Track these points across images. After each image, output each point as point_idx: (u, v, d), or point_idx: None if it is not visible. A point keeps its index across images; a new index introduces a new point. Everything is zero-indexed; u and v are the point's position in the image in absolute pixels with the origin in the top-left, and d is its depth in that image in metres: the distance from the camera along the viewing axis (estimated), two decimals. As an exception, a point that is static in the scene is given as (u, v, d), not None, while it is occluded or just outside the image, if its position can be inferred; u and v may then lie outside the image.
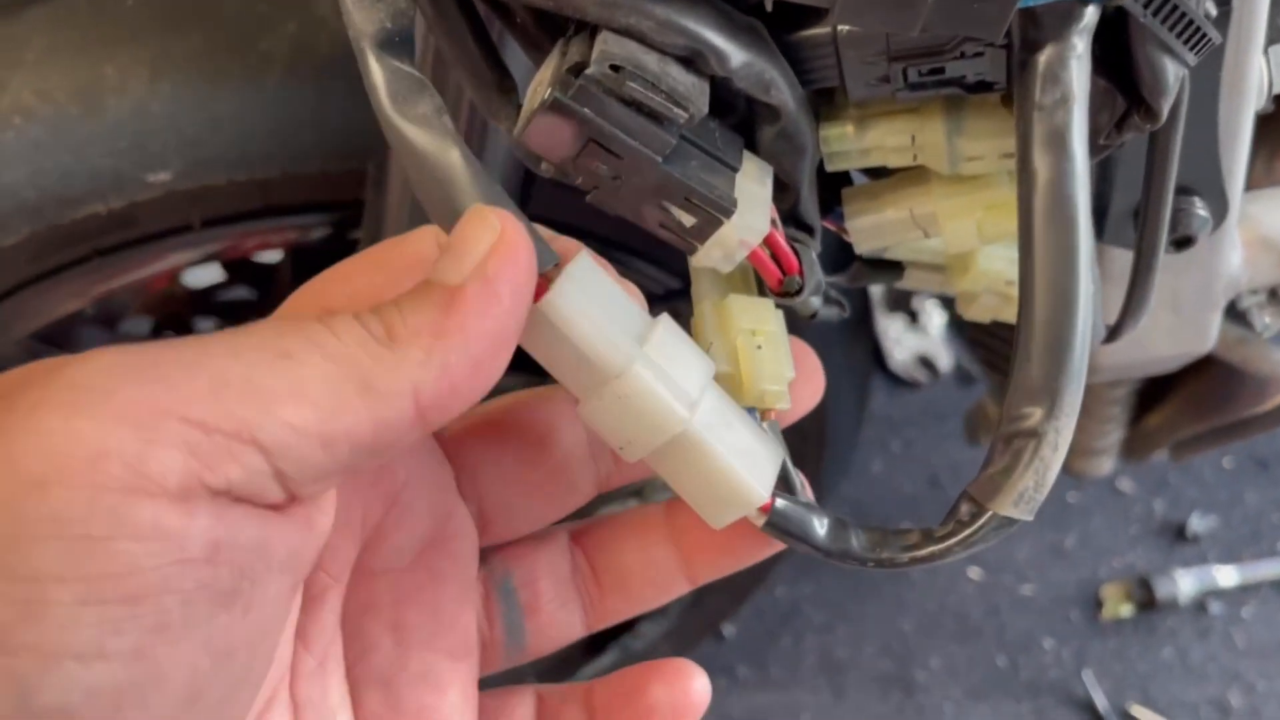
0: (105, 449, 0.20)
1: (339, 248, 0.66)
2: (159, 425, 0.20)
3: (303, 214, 0.62)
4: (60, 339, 0.76)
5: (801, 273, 0.34)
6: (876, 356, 1.46)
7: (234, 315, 0.88)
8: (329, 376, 0.22)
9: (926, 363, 1.47)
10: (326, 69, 0.58)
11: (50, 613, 0.19)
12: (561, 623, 0.33)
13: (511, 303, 0.25)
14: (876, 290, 1.41)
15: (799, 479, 0.33)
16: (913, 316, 1.50)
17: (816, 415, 0.91)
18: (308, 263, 0.71)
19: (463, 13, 0.33)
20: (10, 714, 0.19)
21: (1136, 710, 1.16)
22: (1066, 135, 0.29)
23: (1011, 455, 0.29)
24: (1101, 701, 1.17)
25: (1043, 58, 0.29)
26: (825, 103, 0.36)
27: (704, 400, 0.29)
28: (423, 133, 0.27)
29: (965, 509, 0.30)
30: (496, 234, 0.25)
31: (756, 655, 1.24)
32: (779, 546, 0.32)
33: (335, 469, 0.23)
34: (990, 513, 0.29)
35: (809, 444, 0.92)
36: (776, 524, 0.31)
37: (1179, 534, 1.30)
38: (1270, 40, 0.38)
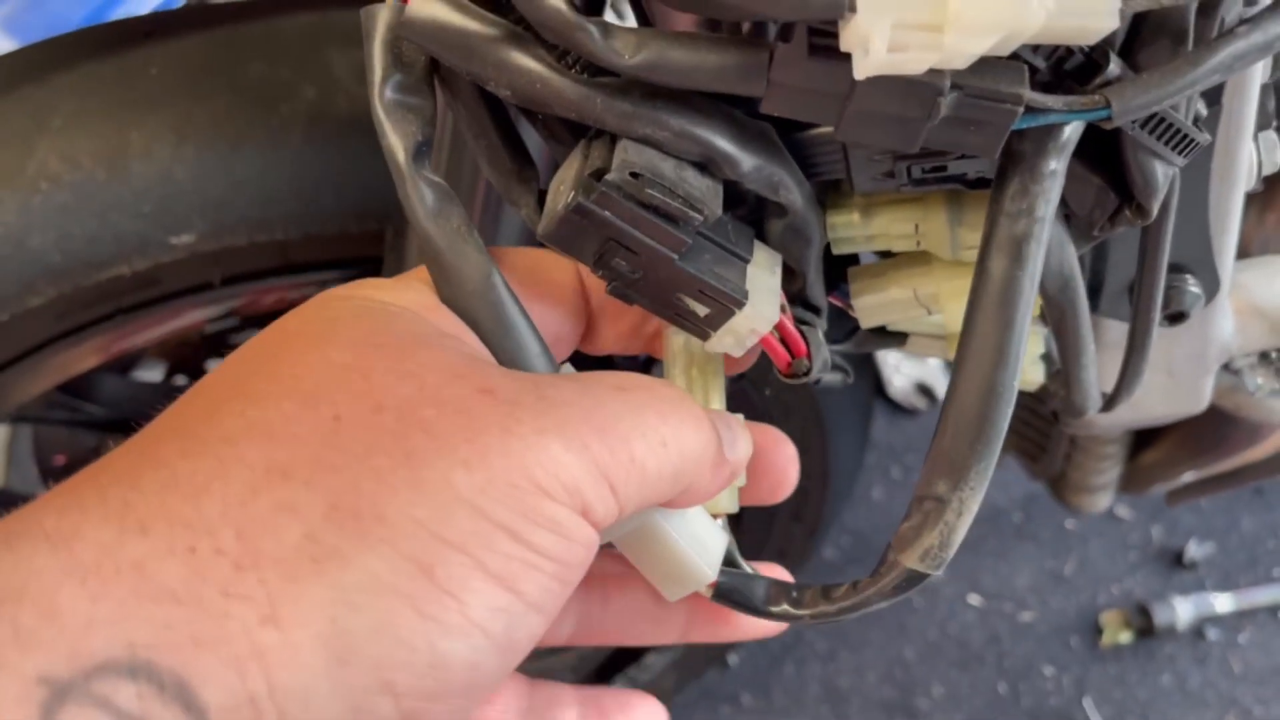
0: (579, 486, 0.27)
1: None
2: (602, 483, 0.27)
3: (321, 271, 0.64)
4: (80, 388, 0.77)
5: (809, 355, 0.36)
6: (876, 384, 1.48)
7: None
8: (672, 469, 0.30)
9: (925, 390, 1.49)
10: (345, 132, 0.60)
11: (534, 576, 0.26)
12: (560, 627, 0.38)
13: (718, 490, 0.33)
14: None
15: (739, 556, 0.37)
16: (912, 344, 1.52)
17: (820, 448, 0.92)
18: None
19: (485, 104, 0.34)
20: (421, 655, 0.25)
21: (1136, 737, 1.17)
22: (1024, 245, 0.31)
23: (921, 516, 0.32)
24: (1102, 729, 1.18)
25: (1017, 172, 0.31)
26: (832, 190, 0.38)
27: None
28: (455, 245, 0.31)
29: (888, 558, 0.33)
30: (749, 452, 0.35)
31: (760, 683, 1.25)
32: (762, 632, 0.37)
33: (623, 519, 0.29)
34: (902, 567, 0.33)
35: (813, 477, 0.94)
36: (723, 594, 0.36)
37: (1176, 560, 1.31)
38: (1260, 126, 0.40)
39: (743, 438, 0.34)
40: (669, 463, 0.29)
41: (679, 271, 0.32)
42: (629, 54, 0.29)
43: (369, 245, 0.62)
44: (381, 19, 0.31)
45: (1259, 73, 0.37)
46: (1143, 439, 0.89)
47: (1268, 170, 0.41)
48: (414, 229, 0.31)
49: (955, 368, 0.32)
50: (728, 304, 0.33)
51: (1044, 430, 0.86)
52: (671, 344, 0.37)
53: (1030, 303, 0.31)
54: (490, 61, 0.30)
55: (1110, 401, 0.42)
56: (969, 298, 0.32)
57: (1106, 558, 1.33)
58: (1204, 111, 0.34)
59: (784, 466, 0.39)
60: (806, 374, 0.36)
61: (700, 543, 0.35)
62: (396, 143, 0.31)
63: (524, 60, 0.30)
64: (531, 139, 0.37)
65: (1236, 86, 0.36)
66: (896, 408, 1.49)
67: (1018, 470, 1.18)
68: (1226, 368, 0.52)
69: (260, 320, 0.84)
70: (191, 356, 0.88)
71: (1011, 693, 1.23)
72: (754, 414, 0.85)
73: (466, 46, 0.30)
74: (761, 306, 0.33)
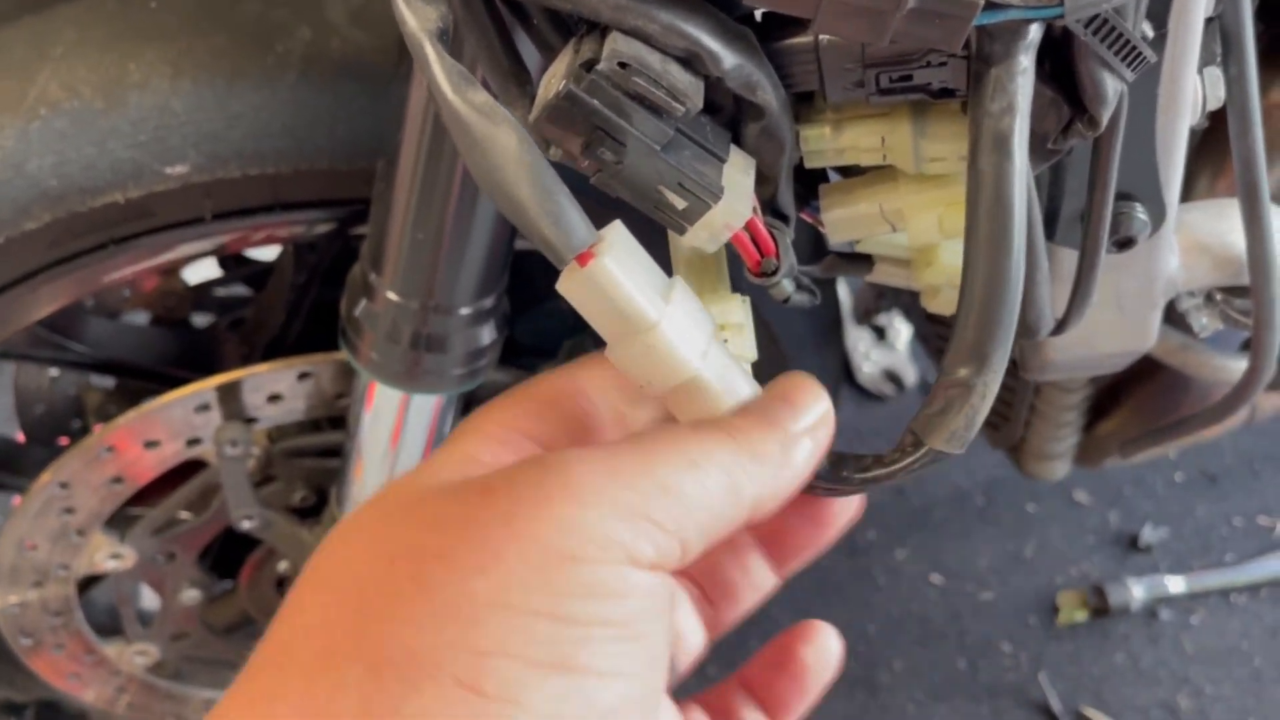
0: (613, 537, 0.27)
1: (341, 243, 0.70)
2: (638, 523, 0.28)
3: (309, 210, 0.65)
4: (67, 327, 0.79)
5: (778, 255, 0.38)
6: (845, 370, 1.51)
7: (230, 310, 0.92)
8: (719, 486, 0.30)
9: (893, 377, 1.52)
10: (338, 72, 0.62)
11: (590, 646, 0.27)
12: (694, 645, 0.38)
13: (812, 466, 0.33)
14: (846, 305, 1.45)
15: None
16: (880, 333, 1.55)
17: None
18: (309, 259, 0.75)
19: (488, 11, 0.37)
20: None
21: (1089, 712, 1.20)
22: (1009, 139, 0.33)
23: (946, 401, 0.34)
24: (1056, 704, 1.21)
25: (993, 70, 0.33)
26: (804, 106, 0.41)
27: (710, 351, 0.34)
28: (484, 119, 0.31)
29: (908, 440, 0.35)
30: (826, 409, 0.35)
31: (726, 657, 1.27)
32: (845, 518, 0.38)
33: (704, 549, 0.30)
34: (927, 446, 0.35)
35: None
36: None
37: (1132, 544, 1.35)
38: (1204, 62, 0.43)
39: (805, 406, 0.34)
40: (712, 479, 0.29)
41: (660, 162, 0.34)
42: (621, -54, 0.31)
43: (358, 184, 0.63)
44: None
45: (1202, 4, 0.40)
46: (1099, 410, 0.92)
47: (1211, 105, 0.43)
48: (443, 109, 0.31)
49: (965, 268, 0.34)
50: (704, 197, 0.35)
51: (1006, 400, 0.89)
52: (676, 255, 0.39)
53: (1024, 193, 0.33)
54: (491, -47, 0.32)
55: (1062, 324, 0.45)
56: (966, 204, 0.34)
57: (1065, 540, 1.36)
58: (1150, 33, 0.37)
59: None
60: (774, 273, 0.39)
61: (742, 399, 0.34)
62: (418, 26, 0.32)
63: (523, -48, 0.32)
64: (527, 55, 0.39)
65: (1181, 13, 0.39)
66: (865, 394, 1.52)
67: (981, 454, 1.21)
68: (1172, 310, 0.55)
69: (240, 263, 0.86)
70: (176, 307, 0.90)
71: (970, 668, 1.26)
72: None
73: (470, -62, 0.32)
74: (735, 203, 0.36)
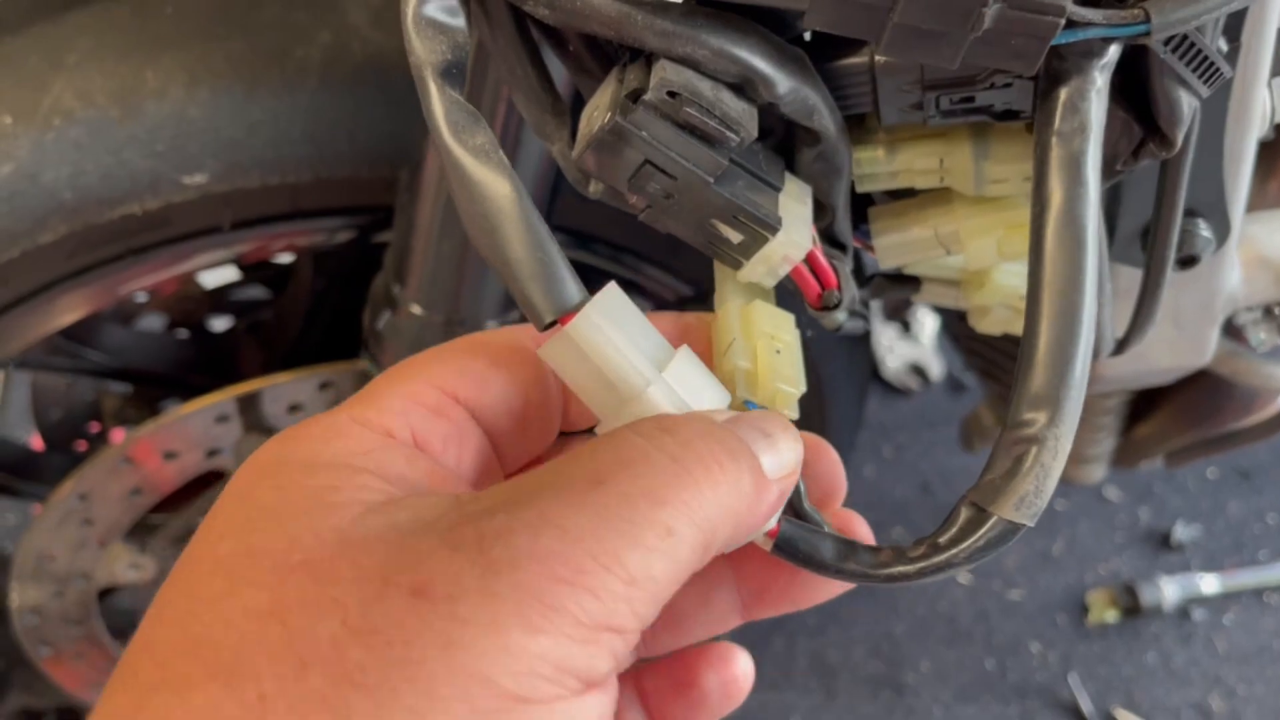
0: (569, 665, 0.23)
1: (362, 251, 0.68)
2: (599, 637, 0.24)
3: (329, 218, 0.64)
4: (84, 336, 0.77)
5: (839, 286, 0.36)
6: (871, 365, 1.49)
7: (248, 313, 0.90)
8: (691, 551, 0.25)
9: (918, 371, 1.49)
10: (359, 77, 0.60)
11: None
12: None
13: (775, 512, 0.29)
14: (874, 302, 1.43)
15: (808, 504, 0.33)
16: (905, 326, 1.53)
17: (817, 421, 0.93)
18: (329, 266, 0.73)
19: (521, 40, 0.35)
20: None
21: (1120, 714, 1.19)
22: (1081, 162, 0.31)
23: (1014, 460, 0.30)
24: (1087, 705, 1.19)
25: (1064, 89, 0.31)
26: (856, 127, 0.38)
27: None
28: (480, 165, 0.29)
29: (965, 515, 0.30)
30: (798, 462, 0.30)
31: (750, 657, 1.26)
32: (836, 591, 0.33)
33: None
34: (995, 517, 0.30)
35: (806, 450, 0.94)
36: (783, 547, 0.31)
37: (1164, 542, 1.33)
38: (1274, 72, 0.41)
39: (785, 444, 0.29)
40: (684, 545, 0.25)
41: (714, 195, 0.32)
42: (672, -32, 0.29)
43: (379, 192, 0.62)
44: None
45: (1276, 14, 0.37)
46: (1137, 412, 0.90)
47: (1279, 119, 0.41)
48: (437, 147, 0.29)
49: (1030, 303, 0.31)
50: (762, 230, 0.33)
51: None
52: (722, 281, 0.36)
53: (1097, 222, 0.30)
54: (531, -24, 0.30)
55: (1123, 344, 0.43)
56: (1031, 232, 0.31)
57: (1094, 538, 1.34)
58: (1224, 47, 0.34)
59: (831, 474, 0.35)
60: (837, 306, 0.37)
61: None
62: (424, 58, 0.30)
63: (564, -25, 0.30)
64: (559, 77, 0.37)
65: (1255, 25, 0.37)
66: (889, 388, 1.50)
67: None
68: (1230, 324, 0.53)
69: (259, 267, 0.84)
70: (194, 311, 0.88)
71: (999, 668, 1.24)
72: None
73: (506, -39, 0.30)
74: (794, 234, 0.34)
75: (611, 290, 0.30)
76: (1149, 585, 1.25)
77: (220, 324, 0.90)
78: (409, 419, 0.28)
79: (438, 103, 0.30)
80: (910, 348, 1.50)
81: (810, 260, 0.35)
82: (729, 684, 0.33)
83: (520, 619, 0.23)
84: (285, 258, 0.84)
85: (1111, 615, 1.26)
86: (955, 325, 1.01)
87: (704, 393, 0.30)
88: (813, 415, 0.89)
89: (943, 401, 1.48)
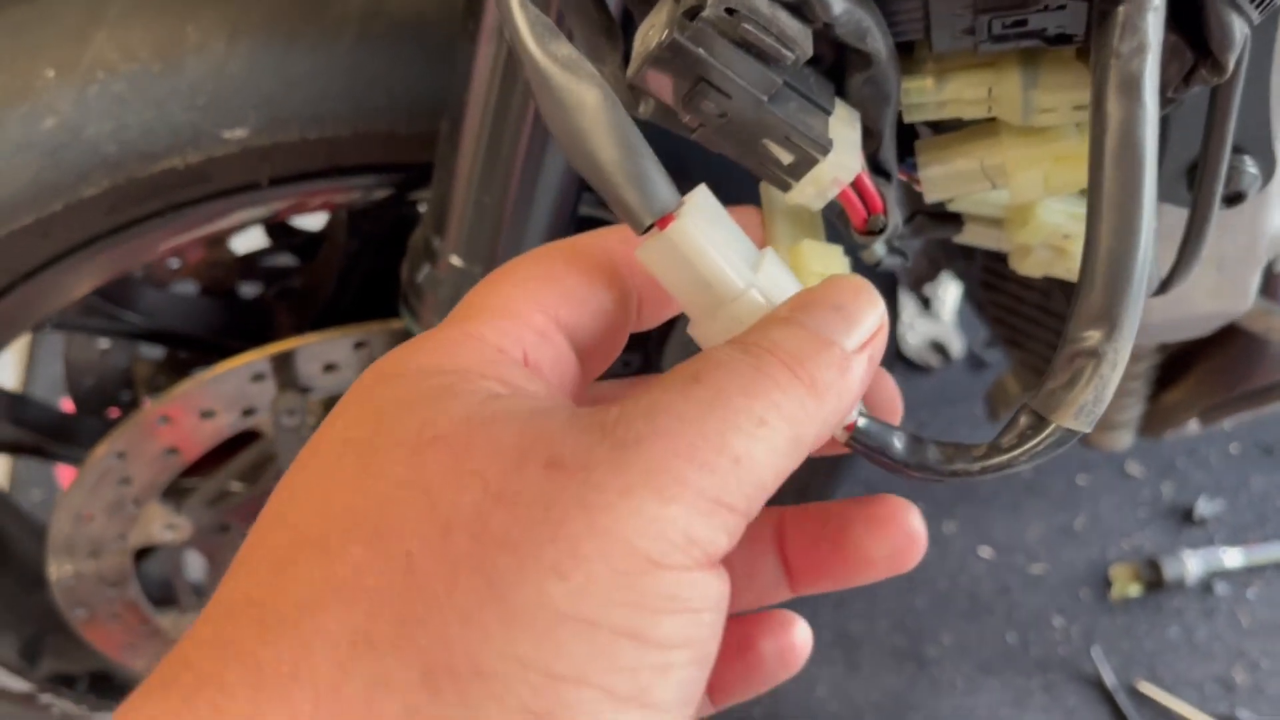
0: (693, 535, 0.24)
1: (398, 210, 0.69)
2: (716, 513, 0.25)
3: (366, 174, 0.64)
4: (119, 296, 0.78)
5: (885, 211, 0.37)
6: (893, 343, 1.49)
7: (278, 279, 0.91)
8: (786, 440, 0.26)
9: (939, 347, 1.49)
10: (397, 32, 0.60)
11: (670, 675, 0.24)
12: None
13: (865, 385, 0.29)
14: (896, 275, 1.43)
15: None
16: (926, 303, 1.53)
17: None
18: (363, 226, 0.74)
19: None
20: None
21: (1144, 687, 1.19)
22: (1140, 81, 0.31)
23: (1074, 372, 0.31)
24: (1110, 678, 1.20)
25: (1123, 9, 0.31)
26: (905, 57, 0.39)
27: None
28: (568, 75, 0.29)
29: (1026, 422, 0.32)
30: (881, 317, 0.30)
31: (808, 626, 1.26)
32: (886, 575, 0.34)
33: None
34: (1054, 425, 0.31)
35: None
36: (859, 440, 0.32)
37: (1186, 517, 1.33)
38: (1320, 6, 0.40)
39: (860, 311, 0.29)
40: (779, 435, 0.26)
41: (767, 114, 0.33)
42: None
43: (417, 149, 0.62)
44: None
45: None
46: (1165, 379, 0.90)
47: (1331, 53, 0.41)
48: (524, 60, 0.29)
49: (1090, 222, 0.31)
50: (813, 150, 0.33)
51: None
52: (771, 209, 0.37)
53: (1154, 139, 0.31)
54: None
55: (1167, 282, 0.43)
56: (1090, 152, 0.31)
57: (1117, 513, 1.34)
58: (1279, -27, 0.34)
59: (888, 397, 0.35)
60: (882, 230, 0.37)
61: None
62: None
63: (626, -110, 0.31)
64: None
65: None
66: (910, 365, 1.50)
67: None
68: (1268, 275, 0.53)
69: (289, 232, 0.85)
70: (224, 278, 0.89)
71: (1021, 642, 1.24)
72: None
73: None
74: (844, 157, 0.34)
75: (703, 192, 0.31)
76: (1172, 559, 1.25)
77: (250, 290, 0.91)
78: (522, 341, 0.29)
79: (520, 17, 0.30)
80: (931, 325, 1.50)
81: (858, 184, 0.35)
82: (786, 651, 0.34)
83: (651, 488, 0.24)
84: (316, 222, 0.85)
85: (1134, 589, 1.26)
86: (979, 293, 1.01)
87: (789, 290, 0.31)
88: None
89: (963, 378, 1.48)
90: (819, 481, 0.98)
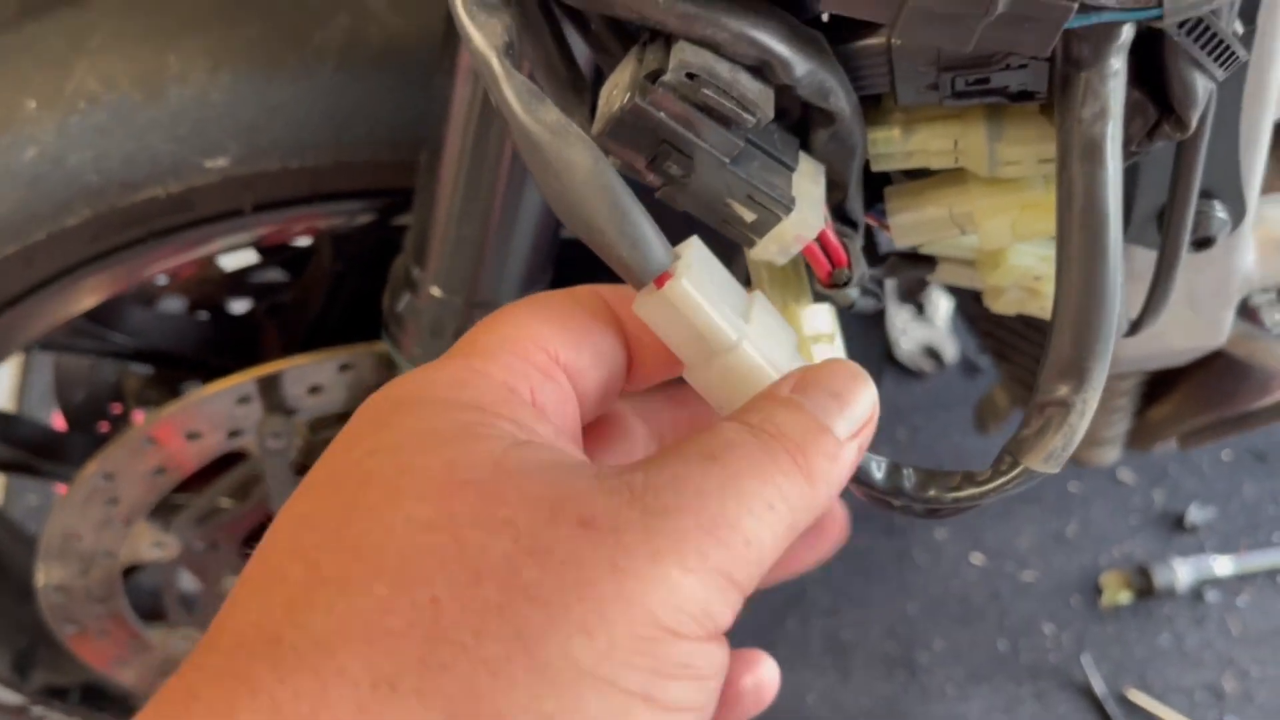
0: (707, 609, 0.25)
1: (381, 234, 0.69)
2: (727, 589, 0.26)
3: (349, 200, 0.64)
4: (106, 317, 0.78)
5: (849, 265, 0.37)
6: (885, 348, 1.49)
7: (267, 295, 0.91)
8: (786, 528, 0.28)
9: (932, 353, 1.50)
10: (378, 61, 0.60)
11: None
12: None
13: (852, 471, 0.31)
14: (888, 282, 1.43)
15: None
16: (919, 308, 1.53)
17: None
18: (348, 248, 0.74)
19: (545, 18, 0.35)
20: None
21: (1133, 694, 1.19)
22: (1103, 145, 0.32)
23: (1045, 421, 0.33)
24: (1099, 685, 1.20)
25: (1084, 74, 0.32)
26: (872, 107, 0.39)
27: (792, 369, 0.32)
28: (557, 140, 0.29)
29: (1006, 461, 0.34)
30: (873, 406, 0.31)
31: (765, 637, 1.27)
32: (822, 557, 0.36)
33: None
34: (1023, 466, 0.33)
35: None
36: None
37: (1178, 524, 1.33)
38: (1288, 55, 0.41)
39: (855, 398, 0.30)
40: (782, 521, 0.27)
41: (729, 175, 0.33)
42: (693, -46, 0.30)
43: (399, 175, 0.62)
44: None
45: (1294, -5, 0.38)
46: (1152, 394, 0.90)
47: (1299, 99, 0.41)
48: (514, 129, 0.30)
49: (1059, 279, 0.33)
50: (775, 210, 0.33)
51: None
52: (755, 264, 0.38)
53: (1119, 200, 0.32)
54: (553, -40, 0.31)
55: (1136, 325, 0.43)
56: (1057, 211, 0.33)
57: (1108, 520, 1.34)
58: (1240, 29, 0.35)
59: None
60: (847, 283, 0.37)
61: None
62: (484, 44, 0.31)
63: (587, -41, 0.31)
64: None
65: (1272, 8, 0.37)
66: (903, 370, 1.50)
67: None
68: (1244, 306, 0.53)
69: (277, 250, 0.85)
70: (213, 293, 0.89)
71: (1011, 649, 1.25)
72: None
73: (530, -55, 0.31)
74: (806, 213, 0.34)
75: (696, 246, 0.32)
76: (1163, 567, 1.25)
77: (239, 306, 0.91)
78: (529, 379, 0.29)
79: (507, 85, 0.30)
80: (924, 330, 1.50)
81: (822, 239, 0.36)
82: (762, 685, 0.35)
83: (677, 557, 0.25)
84: (304, 241, 0.85)
85: (1125, 597, 1.26)
86: (970, 307, 1.01)
87: (779, 335, 0.33)
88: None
89: (957, 384, 1.48)
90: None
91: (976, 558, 1.32)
